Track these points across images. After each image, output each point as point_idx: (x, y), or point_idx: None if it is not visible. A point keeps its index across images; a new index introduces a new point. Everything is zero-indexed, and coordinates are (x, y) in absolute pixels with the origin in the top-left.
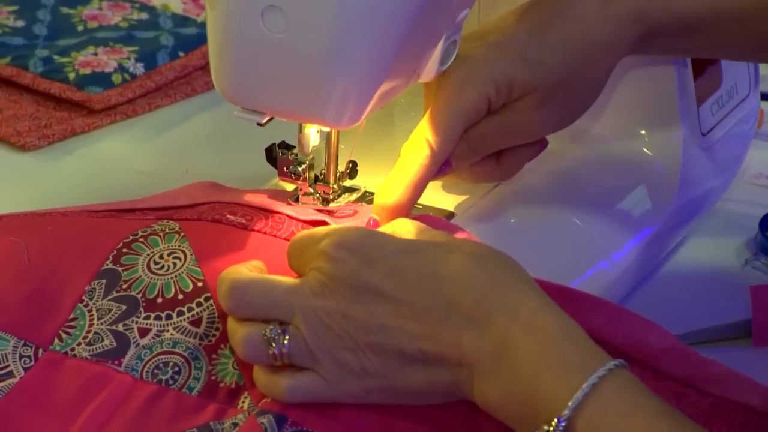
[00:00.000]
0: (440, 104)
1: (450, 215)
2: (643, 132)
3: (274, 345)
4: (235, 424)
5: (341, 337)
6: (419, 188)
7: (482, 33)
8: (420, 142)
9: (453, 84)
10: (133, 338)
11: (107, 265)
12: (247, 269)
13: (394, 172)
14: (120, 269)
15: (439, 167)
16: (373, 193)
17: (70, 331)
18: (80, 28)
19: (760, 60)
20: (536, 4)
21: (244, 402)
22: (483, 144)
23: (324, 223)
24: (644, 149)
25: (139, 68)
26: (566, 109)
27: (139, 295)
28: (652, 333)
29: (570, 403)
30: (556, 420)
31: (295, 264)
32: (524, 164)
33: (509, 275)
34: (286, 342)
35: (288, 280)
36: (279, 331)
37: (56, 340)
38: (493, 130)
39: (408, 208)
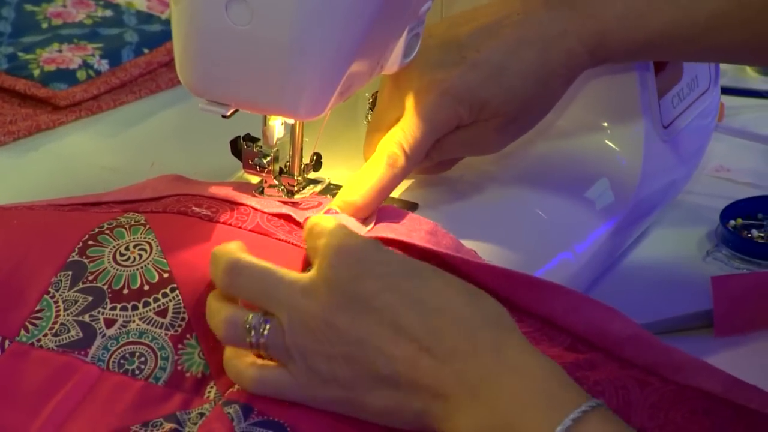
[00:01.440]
0: (412, 117)
1: (413, 206)
2: (605, 124)
3: (253, 333)
4: (202, 414)
5: (320, 342)
6: (384, 194)
7: (457, 40)
8: (395, 150)
9: (432, 99)
10: (99, 329)
11: (73, 257)
12: (238, 248)
13: (362, 172)
14: (86, 261)
15: None
16: (337, 186)
17: (36, 322)
18: (45, 25)
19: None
20: (505, 19)
21: (210, 391)
22: (441, 153)
23: (288, 216)
24: (607, 141)
25: (103, 65)
26: (523, 129)
27: (105, 287)
28: (615, 321)
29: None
30: None
31: (309, 245)
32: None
33: (498, 318)
34: (265, 333)
35: (285, 272)
36: (261, 320)
37: (22, 332)
38: (456, 144)
39: (369, 211)
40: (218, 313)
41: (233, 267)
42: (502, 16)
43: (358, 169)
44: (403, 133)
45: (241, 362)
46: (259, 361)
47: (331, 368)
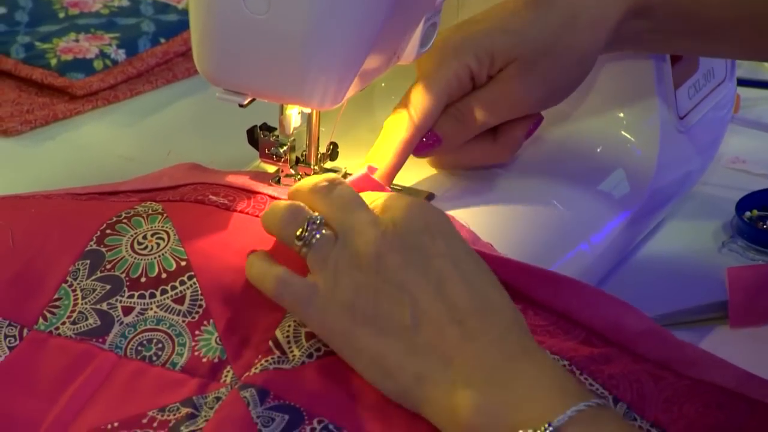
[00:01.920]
0: (420, 78)
1: (430, 196)
2: (621, 115)
3: (308, 226)
4: (218, 398)
5: (360, 267)
6: (400, 160)
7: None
8: (400, 114)
9: (433, 58)
10: (117, 317)
11: (91, 246)
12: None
13: (376, 145)
14: (104, 250)
15: (428, 143)
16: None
17: (54, 310)
18: (62, 14)
19: (749, 57)
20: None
21: (226, 376)
22: (471, 118)
23: None
24: (623, 132)
25: (120, 54)
26: (551, 82)
27: (123, 275)
28: (630, 316)
29: (565, 413)
30: (546, 424)
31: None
32: (521, 142)
33: (523, 324)
34: (318, 234)
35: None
36: (322, 223)
37: (41, 320)
38: (480, 104)
39: (388, 180)
40: (283, 204)
41: (334, 180)
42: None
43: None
44: (407, 97)
45: (269, 265)
46: (288, 270)
47: (356, 296)
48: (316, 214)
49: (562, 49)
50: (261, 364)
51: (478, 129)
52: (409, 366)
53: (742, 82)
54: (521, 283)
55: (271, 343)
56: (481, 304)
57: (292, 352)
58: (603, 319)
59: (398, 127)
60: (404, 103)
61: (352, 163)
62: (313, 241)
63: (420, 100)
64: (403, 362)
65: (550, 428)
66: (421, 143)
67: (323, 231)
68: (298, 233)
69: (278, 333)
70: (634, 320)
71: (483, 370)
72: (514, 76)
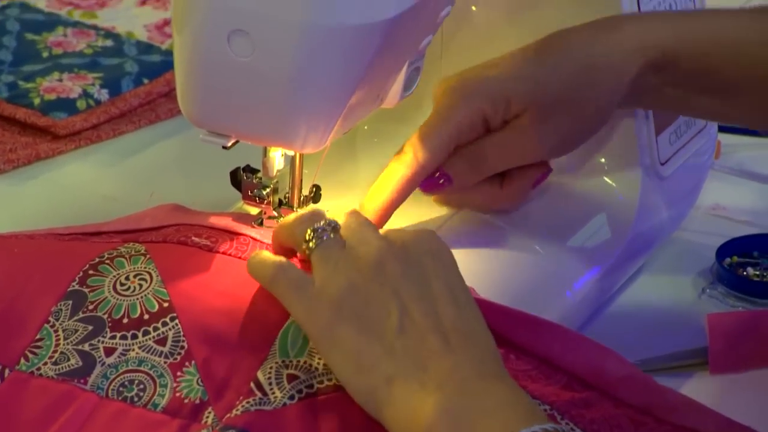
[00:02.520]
0: (431, 117)
1: None
2: (603, 160)
3: (323, 222)
4: None
5: (358, 269)
6: (399, 197)
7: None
8: (406, 152)
9: (448, 97)
10: (99, 357)
11: (73, 286)
12: None
13: (378, 180)
14: (86, 290)
15: (438, 182)
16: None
17: (36, 351)
18: (45, 54)
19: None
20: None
21: (207, 417)
22: (483, 162)
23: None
24: (605, 178)
25: (103, 94)
26: (565, 131)
27: (105, 316)
28: (611, 361)
29: (530, 427)
30: None
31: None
32: (528, 191)
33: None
34: (327, 235)
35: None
36: (335, 227)
37: (22, 360)
38: (493, 148)
39: (384, 216)
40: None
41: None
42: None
43: (357, 201)
44: (415, 135)
45: (271, 255)
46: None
47: (347, 294)
48: (329, 219)
49: (577, 101)
50: (242, 406)
51: (489, 173)
52: (383, 365)
53: (723, 129)
54: (503, 327)
55: (252, 384)
56: (466, 327)
57: (273, 393)
58: (584, 364)
59: (402, 163)
60: (412, 140)
61: (335, 205)
62: (323, 238)
63: (428, 139)
64: (378, 361)
65: None
66: (432, 181)
67: (332, 234)
68: (309, 232)
69: (260, 374)
70: (616, 365)
71: (455, 380)
72: (528, 124)
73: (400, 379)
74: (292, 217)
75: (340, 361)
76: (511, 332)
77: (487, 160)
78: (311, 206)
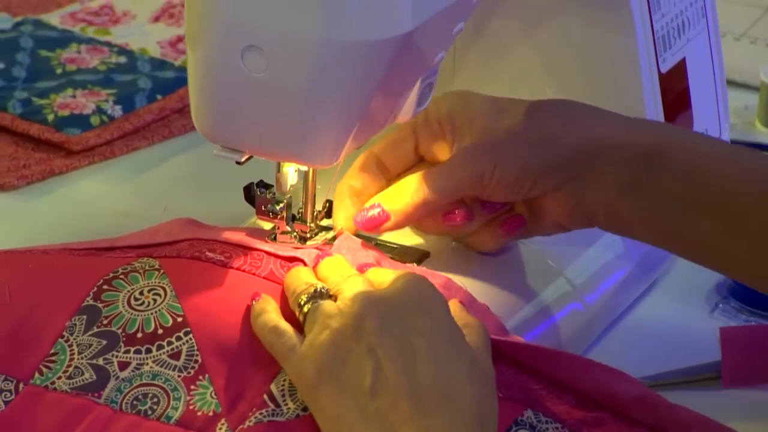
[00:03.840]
0: (462, 149)
1: (425, 255)
2: None
3: (314, 290)
4: None
5: (340, 329)
6: (406, 221)
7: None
8: (428, 176)
9: (475, 148)
10: (113, 371)
11: (88, 301)
12: None
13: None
14: (101, 305)
15: (458, 218)
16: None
17: (50, 365)
18: (59, 70)
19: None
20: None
21: (221, 429)
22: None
23: (302, 260)
24: None
25: (117, 110)
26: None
27: (120, 330)
28: (622, 382)
29: None
30: None
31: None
32: (502, 238)
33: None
34: (318, 301)
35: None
36: (326, 293)
37: (37, 374)
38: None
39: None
40: (306, 278)
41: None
42: None
43: None
44: (434, 174)
45: (276, 317)
46: (289, 325)
47: (327, 353)
48: (320, 285)
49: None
50: (255, 417)
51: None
52: (358, 429)
53: (735, 143)
54: (512, 352)
55: (265, 396)
56: (443, 386)
57: (286, 404)
58: (595, 387)
59: (421, 187)
60: (439, 169)
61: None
62: (314, 302)
63: (440, 181)
64: (354, 426)
65: None
66: (453, 215)
67: (326, 298)
68: (303, 297)
69: (273, 387)
70: (627, 387)
71: None
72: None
73: None
74: (293, 278)
75: (322, 422)
76: (519, 356)
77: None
78: (325, 221)
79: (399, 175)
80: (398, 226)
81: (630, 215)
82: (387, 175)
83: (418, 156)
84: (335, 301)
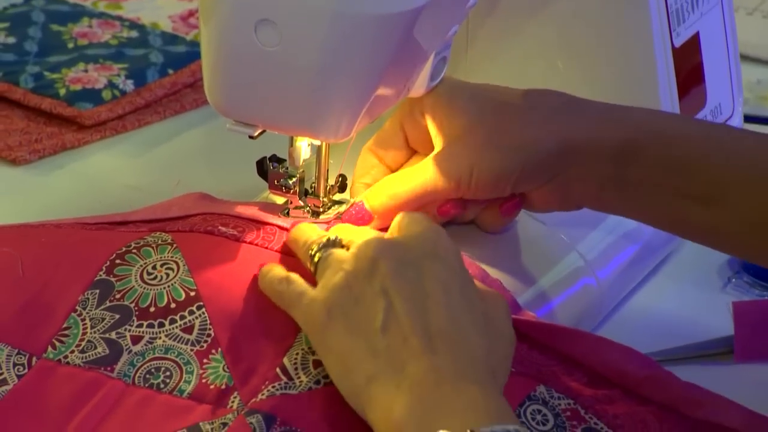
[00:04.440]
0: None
1: None
2: None
3: (322, 242)
4: (224, 424)
5: (353, 269)
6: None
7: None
8: (430, 167)
9: (484, 143)
10: (126, 345)
11: (101, 275)
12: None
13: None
14: (113, 279)
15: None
16: None
17: (63, 339)
18: (71, 45)
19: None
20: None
21: (233, 402)
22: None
23: None
24: None
25: (128, 85)
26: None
27: (132, 305)
28: (633, 361)
29: (491, 426)
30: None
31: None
32: (501, 220)
33: (496, 371)
34: (329, 247)
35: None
36: (337, 242)
37: (50, 348)
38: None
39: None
40: (314, 231)
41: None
42: None
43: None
44: (444, 159)
45: (280, 271)
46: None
47: (339, 294)
48: (333, 235)
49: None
50: (268, 390)
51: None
52: (365, 366)
53: (749, 119)
54: (523, 326)
55: (278, 369)
56: (454, 331)
57: (299, 378)
58: (607, 364)
59: (423, 175)
60: (416, 171)
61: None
62: (326, 250)
63: (425, 178)
64: (361, 362)
65: None
66: (446, 207)
67: (337, 245)
68: (313, 247)
69: (286, 360)
70: (638, 364)
71: (429, 381)
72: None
73: (378, 380)
74: (302, 230)
75: (331, 363)
76: (531, 331)
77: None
78: (338, 196)
79: (398, 168)
80: (383, 224)
81: (617, 204)
82: (389, 168)
83: (410, 149)
84: (347, 250)
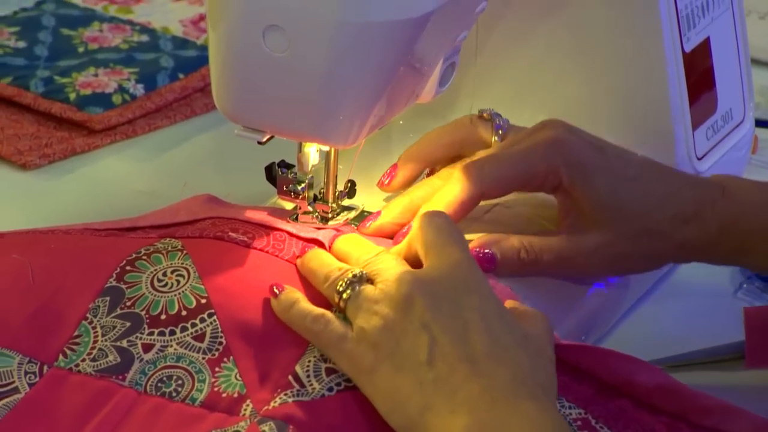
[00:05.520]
0: (506, 148)
1: None
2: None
3: (348, 279)
4: None
5: (391, 308)
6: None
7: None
8: (467, 174)
9: (527, 141)
10: (137, 354)
11: (111, 282)
12: None
13: (434, 199)
14: (124, 287)
15: (482, 261)
16: (371, 213)
17: (74, 347)
18: (81, 49)
19: None
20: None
21: (246, 410)
22: (535, 263)
23: (321, 243)
24: None
25: (139, 89)
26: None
27: (143, 312)
28: (642, 371)
29: None
30: None
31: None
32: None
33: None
34: (358, 286)
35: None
36: (363, 276)
37: (61, 357)
38: (553, 254)
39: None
40: (333, 262)
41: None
42: None
43: (391, 197)
44: (488, 161)
45: (311, 308)
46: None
47: (381, 334)
48: (357, 270)
49: (631, 232)
50: (280, 398)
51: (534, 273)
52: (416, 399)
53: (760, 123)
54: None
55: (290, 377)
56: (499, 352)
57: (311, 385)
58: (616, 375)
59: (460, 185)
60: (478, 165)
61: (369, 201)
62: (355, 289)
63: (493, 169)
64: (412, 395)
65: None
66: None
67: (363, 283)
68: (340, 284)
69: (298, 368)
70: (647, 376)
71: (484, 402)
72: (601, 245)
73: (432, 409)
74: (315, 269)
75: (380, 400)
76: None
77: (542, 261)
78: (347, 201)
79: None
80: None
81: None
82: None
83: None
84: (372, 283)
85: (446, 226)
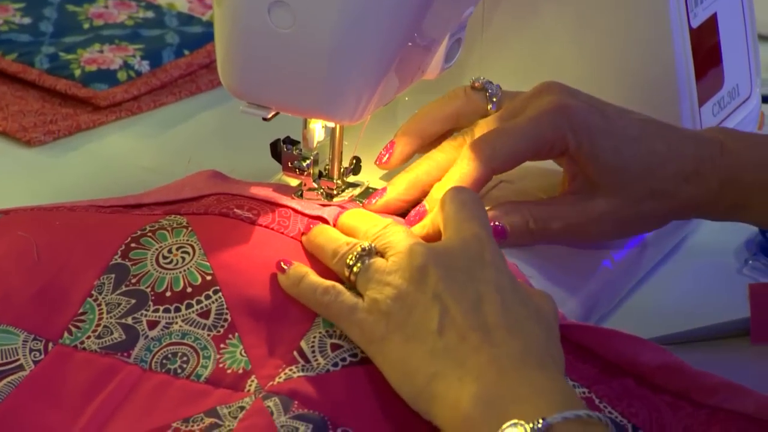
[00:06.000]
0: (514, 121)
1: None
2: None
3: (358, 252)
4: (242, 408)
5: (403, 278)
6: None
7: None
8: (476, 150)
9: (532, 111)
10: (142, 331)
11: (116, 259)
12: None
13: (445, 177)
14: (129, 264)
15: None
16: (376, 189)
17: (79, 325)
18: (86, 25)
19: None
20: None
21: (250, 385)
22: (544, 231)
23: (325, 221)
24: None
25: (144, 66)
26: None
27: (148, 289)
28: (645, 350)
29: (562, 413)
30: (540, 419)
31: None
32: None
33: (550, 352)
34: (368, 259)
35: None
36: (374, 252)
37: (66, 334)
38: (562, 222)
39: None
40: (340, 237)
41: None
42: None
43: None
44: (495, 135)
45: (320, 280)
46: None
47: (393, 304)
48: (366, 243)
49: (642, 191)
50: (285, 373)
51: (544, 239)
52: (425, 367)
53: (767, 99)
54: None
55: (295, 353)
56: (511, 323)
57: (316, 360)
58: (619, 355)
59: (471, 162)
60: (486, 139)
61: (374, 177)
62: (365, 262)
63: (504, 144)
64: (421, 364)
65: (543, 423)
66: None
67: (373, 256)
68: (350, 257)
69: (303, 343)
70: (651, 355)
71: (492, 371)
72: (608, 211)
73: (440, 377)
74: (323, 244)
75: (389, 370)
76: None
77: (551, 230)
78: (352, 178)
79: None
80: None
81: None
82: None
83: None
84: (382, 256)
85: (471, 202)
